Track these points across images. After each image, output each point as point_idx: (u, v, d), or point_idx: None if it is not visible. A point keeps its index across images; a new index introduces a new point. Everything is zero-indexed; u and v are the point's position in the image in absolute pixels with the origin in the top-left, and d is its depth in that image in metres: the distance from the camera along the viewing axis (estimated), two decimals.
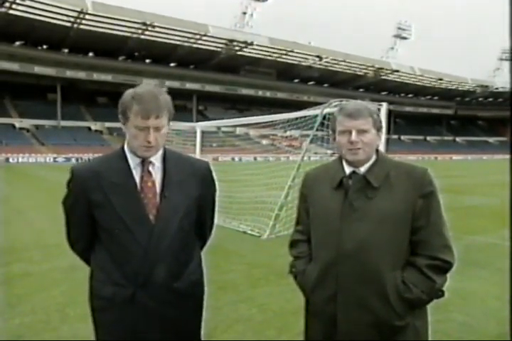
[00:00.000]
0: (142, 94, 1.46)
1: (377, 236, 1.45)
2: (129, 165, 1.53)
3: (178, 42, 49.65)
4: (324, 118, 6.75)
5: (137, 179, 1.53)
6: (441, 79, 70.17)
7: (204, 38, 49.54)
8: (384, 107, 5.46)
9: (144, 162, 1.54)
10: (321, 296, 1.54)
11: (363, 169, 1.53)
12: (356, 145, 1.49)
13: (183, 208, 1.56)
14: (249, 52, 55.23)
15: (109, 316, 1.52)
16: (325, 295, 1.52)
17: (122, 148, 1.57)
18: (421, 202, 1.47)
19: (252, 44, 52.66)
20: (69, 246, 1.70)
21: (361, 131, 1.49)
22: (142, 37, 47.16)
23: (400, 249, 1.47)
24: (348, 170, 1.56)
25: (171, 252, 1.53)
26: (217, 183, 1.78)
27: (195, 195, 1.61)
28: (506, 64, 75.90)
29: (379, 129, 1.55)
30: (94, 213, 1.52)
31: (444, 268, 1.47)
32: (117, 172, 1.52)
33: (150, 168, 1.55)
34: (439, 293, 1.49)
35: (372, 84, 69.24)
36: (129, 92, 1.50)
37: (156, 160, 1.57)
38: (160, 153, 1.58)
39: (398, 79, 68.49)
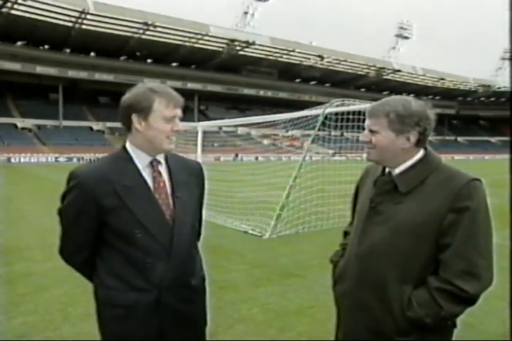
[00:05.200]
0: (160, 87, 1.47)
1: (389, 245, 1.36)
2: (136, 167, 1.49)
3: (179, 42, 49.64)
4: (326, 118, 6.76)
5: (149, 180, 1.50)
6: (443, 79, 70.00)
7: (205, 37, 49.50)
8: None
9: (154, 162, 1.52)
10: (337, 291, 1.57)
11: (397, 170, 1.41)
12: (367, 145, 1.43)
13: (192, 207, 1.59)
14: (251, 52, 55.17)
15: (132, 324, 1.46)
16: (339, 291, 1.55)
17: (124, 149, 1.51)
18: (451, 217, 1.29)
19: (253, 44, 52.59)
20: (65, 257, 1.60)
21: (372, 131, 1.41)
22: (144, 37, 47.17)
23: (414, 263, 1.34)
24: (387, 169, 1.46)
25: (188, 251, 1.56)
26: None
27: (197, 194, 1.65)
28: (508, 63, 75.64)
29: (400, 132, 1.36)
30: (106, 219, 1.44)
31: (458, 296, 1.27)
32: (127, 174, 1.46)
33: (160, 168, 1.54)
34: (448, 323, 1.33)
35: (374, 84, 69.10)
36: (140, 90, 1.45)
37: (162, 159, 1.57)
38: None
39: (400, 79, 68.35)
